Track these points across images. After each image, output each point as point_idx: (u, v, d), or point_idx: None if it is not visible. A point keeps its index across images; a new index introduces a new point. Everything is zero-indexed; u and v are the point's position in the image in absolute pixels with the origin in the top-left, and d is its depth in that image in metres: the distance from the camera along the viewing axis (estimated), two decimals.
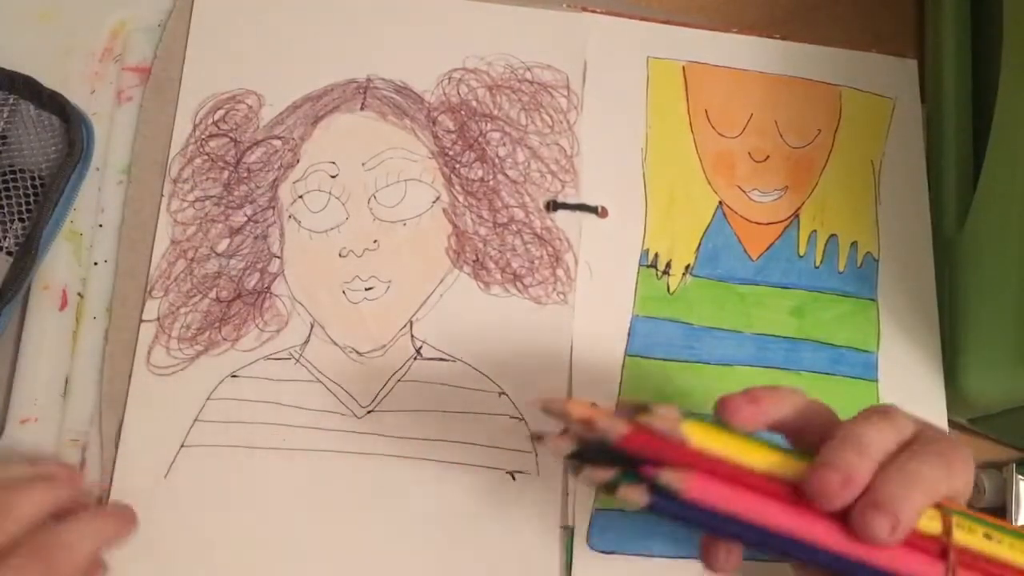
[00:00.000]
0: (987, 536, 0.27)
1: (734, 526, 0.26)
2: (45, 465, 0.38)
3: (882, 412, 0.30)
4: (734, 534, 0.27)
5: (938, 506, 0.27)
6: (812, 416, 0.31)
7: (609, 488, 0.26)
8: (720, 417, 0.29)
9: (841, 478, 0.26)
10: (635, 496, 0.26)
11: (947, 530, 0.26)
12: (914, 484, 0.26)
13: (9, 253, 0.41)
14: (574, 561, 0.41)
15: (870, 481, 0.27)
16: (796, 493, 0.26)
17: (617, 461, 0.26)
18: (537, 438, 0.29)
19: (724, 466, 0.26)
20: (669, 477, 0.26)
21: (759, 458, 0.27)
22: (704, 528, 0.27)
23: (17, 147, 0.43)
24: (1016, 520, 0.44)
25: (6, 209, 0.42)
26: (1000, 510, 0.45)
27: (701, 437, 0.27)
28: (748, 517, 0.26)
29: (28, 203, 0.42)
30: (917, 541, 0.26)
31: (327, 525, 0.40)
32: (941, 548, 0.26)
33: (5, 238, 0.42)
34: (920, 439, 0.29)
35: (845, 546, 0.26)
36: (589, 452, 0.27)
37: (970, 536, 0.26)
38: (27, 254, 0.41)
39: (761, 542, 0.27)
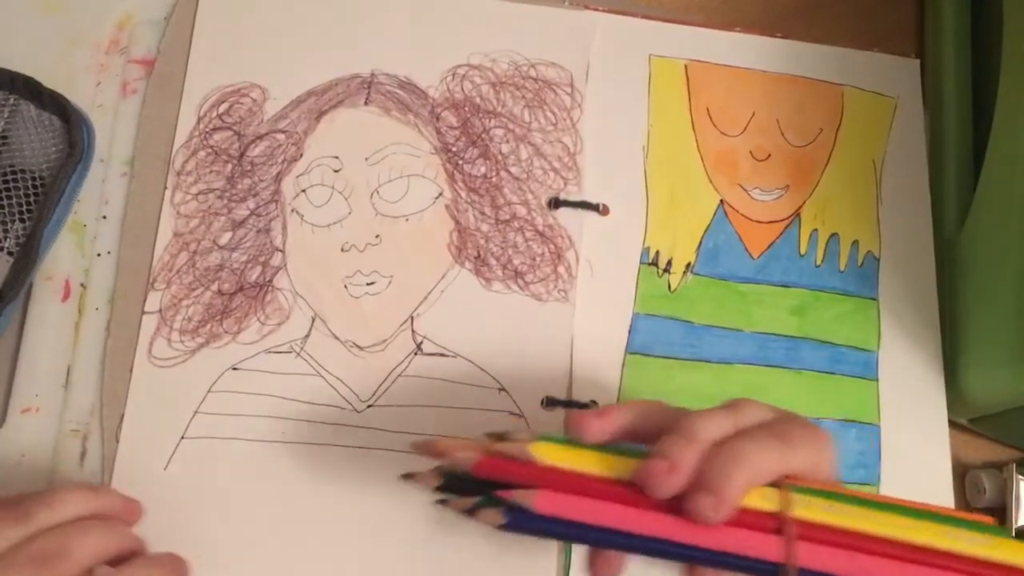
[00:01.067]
0: (828, 508, 0.27)
1: (589, 533, 0.28)
2: (107, 496, 0.37)
3: (728, 403, 0.31)
4: (595, 541, 0.28)
5: (776, 485, 0.28)
6: (654, 415, 0.31)
7: (470, 513, 0.28)
8: (568, 434, 0.30)
9: (667, 465, 0.27)
10: (491, 518, 0.27)
11: (785, 505, 0.27)
12: (737, 463, 0.27)
13: (10, 253, 0.41)
14: (572, 560, 0.41)
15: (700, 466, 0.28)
16: (639, 492, 0.28)
17: (479, 489, 0.28)
18: (407, 476, 0.30)
19: (573, 479, 0.28)
20: (517, 496, 0.27)
21: (606, 466, 0.28)
22: (564, 539, 0.28)
23: (17, 147, 0.43)
24: (1016, 520, 0.44)
25: (6, 209, 0.42)
26: (1000, 510, 0.45)
27: (548, 455, 0.28)
28: (595, 522, 0.27)
29: (28, 203, 0.42)
30: (755, 520, 0.27)
31: (326, 518, 0.40)
32: (779, 524, 0.27)
33: (5, 238, 0.42)
34: (762, 424, 0.30)
35: (685, 535, 0.27)
36: (454, 484, 0.29)
37: (810, 510, 0.27)
38: (27, 254, 0.41)
39: (619, 544, 0.28)
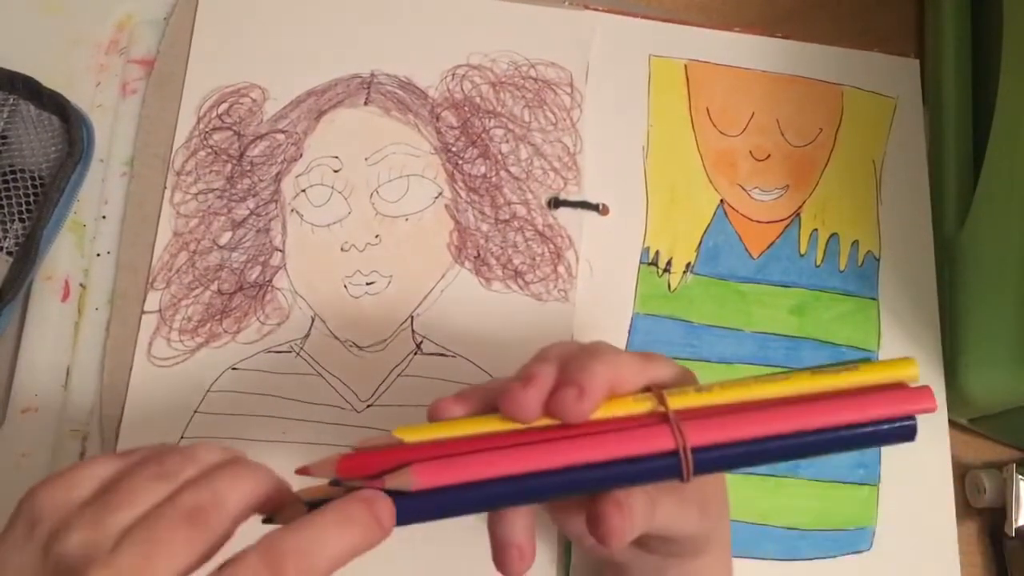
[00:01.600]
0: (697, 391, 0.28)
1: (477, 494, 0.26)
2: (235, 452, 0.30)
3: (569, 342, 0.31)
4: (489, 499, 0.27)
5: (647, 390, 0.28)
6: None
7: None
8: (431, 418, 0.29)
9: (522, 382, 0.27)
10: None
11: (661, 400, 0.27)
12: (596, 358, 0.27)
13: (9, 253, 0.41)
14: (573, 557, 0.41)
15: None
16: (514, 437, 0.27)
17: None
18: (302, 471, 0.27)
19: (446, 446, 0.26)
20: (392, 479, 0.26)
21: (475, 425, 0.27)
22: (456, 511, 0.27)
23: (17, 147, 0.43)
24: (1016, 520, 0.44)
25: (6, 209, 0.42)
26: (1000, 510, 0.45)
27: (415, 433, 0.27)
28: (480, 476, 0.26)
29: (28, 203, 0.42)
30: (638, 422, 0.27)
31: None
32: (662, 417, 0.27)
33: (5, 238, 0.42)
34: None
35: (573, 455, 0.26)
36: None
37: (683, 398, 0.27)
38: (27, 254, 0.41)
39: (517, 494, 0.27)
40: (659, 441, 0.27)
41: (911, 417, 0.27)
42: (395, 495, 0.26)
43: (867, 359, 0.28)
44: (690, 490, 0.29)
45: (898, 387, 0.27)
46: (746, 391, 0.28)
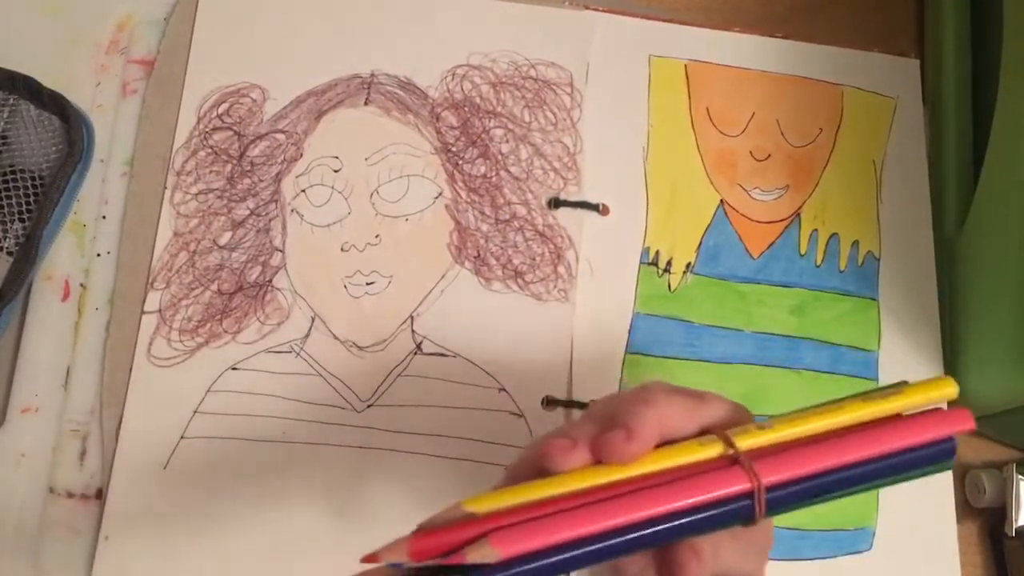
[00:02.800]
0: (760, 429, 0.28)
1: (564, 555, 0.26)
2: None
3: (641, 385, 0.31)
4: (567, 564, 0.26)
5: (707, 433, 0.28)
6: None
7: None
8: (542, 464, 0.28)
9: (623, 432, 0.27)
10: None
11: (729, 443, 0.27)
12: (644, 403, 0.28)
13: (9, 253, 0.41)
14: None
15: None
16: (585, 495, 0.27)
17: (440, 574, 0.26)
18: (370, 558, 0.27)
19: (520, 512, 0.26)
20: (472, 553, 0.25)
21: (541, 488, 0.27)
22: (547, 574, 0.27)
23: (17, 147, 0.43)
24: (1016, 520, 0.44)
25: (6, 209, 0.42)
26: (1000, 510, 0.45)
27: (484, 503, 0.26)
28: (561, 539, 0.26)
29: (28, 203, 0.42)
30: (709, 468, 0.27)
31: (326, 518, 0.40)
32: (730, 460, 0.27)
33: (5, 238, 0.42)
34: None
35: (649, 503, 0.26)
36: None
37: (748, 438, 0.27)
38: (27, 254, 0.41)
39: (598, 554, 0.26)
40: (732, 483, 0.26)
41: (952, 438, 0.28)
42: (475, 570, 0.25)
43: (905, 382, 0.29)
44: (749, 531, 0.28)
45: (938, 411, 0.28)
46: (806, 424, 0.28)
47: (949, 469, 0.29)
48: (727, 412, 0.29)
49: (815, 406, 0.29)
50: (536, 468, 0.27)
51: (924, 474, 0.28)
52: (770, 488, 0.26)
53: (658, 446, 0.27)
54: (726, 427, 0.28)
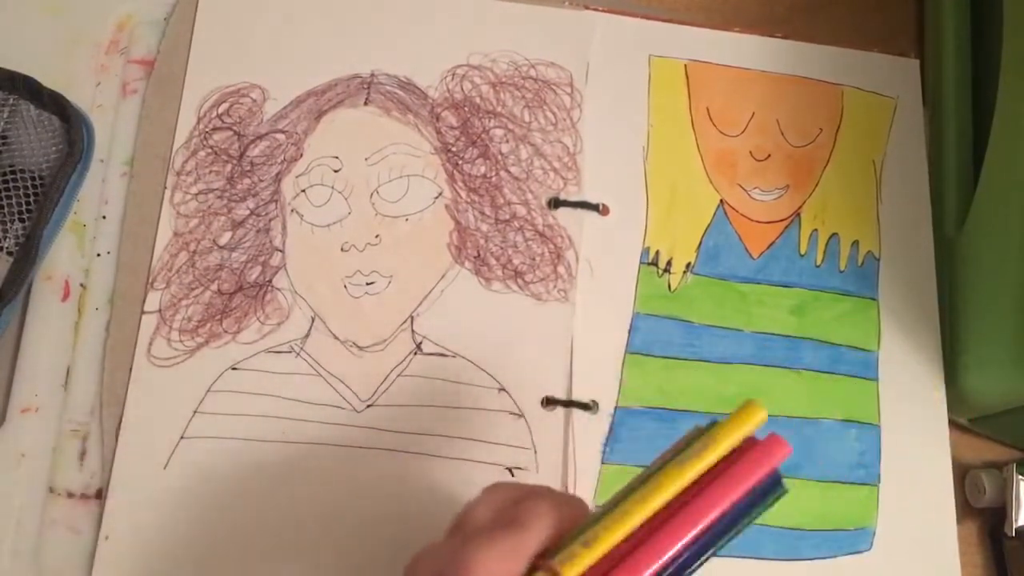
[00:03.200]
0: (585, 544, 0.27)
1: None
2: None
3: (462, 512, 0.31)
4: None
5: (537, 567, 0.27)
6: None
7: None
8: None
9: None
10: None
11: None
12: (462, 569, 0.26)
13: (9, 253, 0.41)
14: None
15: None
16: (651, 526, 0.27)
17: None
18: None
19: (603, 564, 0.27)
20: None
21: (618, 529, 0.27)
22: None
23: (17, 147, 0.43)
24: (1016, 520, 0.44)
25: (6, 209, 0.42)
26: (1000, 510, 0.45)
27: (574, 567, 0.27)
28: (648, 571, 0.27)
29: (28, 203, 0.42)
30: None
31: (325, 518, 0.40)
32: None
33: (5, 238, 0.42)
34: (498, 513, 0.29)
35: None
36: None
37: (575, 563, 0.27)
38: (27, 254, 0.41)
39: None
40: None
41: (777, 472, 0.28)
42: None
43: (714, 421, 0.29)
44: None
45: (752, 443, 0.28)
46: (632, 518, 0.27)
47: (784, 496, 0.28)
48: (552, 525, 0.28)
49: (632, 488, 0.28)
50: None
51: (762, 512, 0.28)
52: None
53: None
54: (556, 539, 0.28)
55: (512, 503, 0.29)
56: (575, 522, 0.28)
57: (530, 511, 0.28)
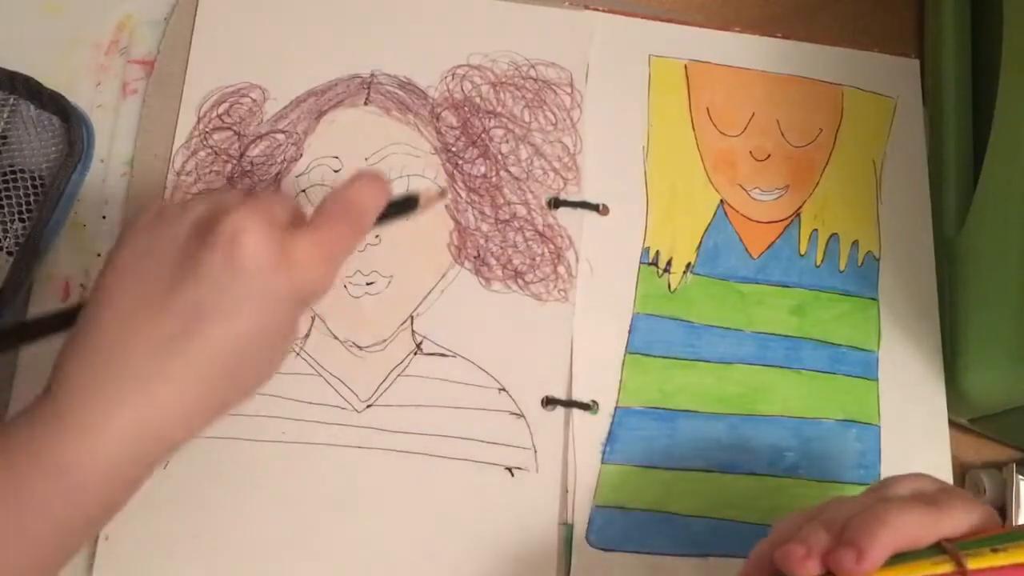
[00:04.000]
0: (994, 550, 0.28)
1: None
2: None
3: (877, 484, 0.33)
4: None
5: (940, 547, 0.29)
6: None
7: None
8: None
9: (803, 549, 0.29)
10: None
11: (959, 562, 0.28)
12: (879, 521, 0.28)
13: (9, 253, 0.41)
14: (573, 558, 0.41)
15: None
16: None
17: None
18: None
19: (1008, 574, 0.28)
20: None
21: None
22: None
23: (17, 147, 0.43)
24: (1016, 520, 0.44)
25: (6, 209, 0.42)
26: (1000, 510, 0.45)
27: (977, 563, 0.28)
28: None
29: (28, 203, 0.42)
30: None
31: (325, 518, 0.40)
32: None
33: (5, 238, 0.42)
34: (913, 494, 0.31)
35: None
36: None
37: (980, 559, 0.28)
38: (27, 254, 0.41)
39: None
40: None
41: None
42: None
43: None
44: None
45: None
46: None
47: None
48: (971, 522, 0.30)
49: None
50: (773, 566, 0.30)
51: None
52: None
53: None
54: (968, 536, 0.29)
55: (932, 491, 0.31)
56: (985, 530, 0.30)
57: (951, 500, 0.30)
